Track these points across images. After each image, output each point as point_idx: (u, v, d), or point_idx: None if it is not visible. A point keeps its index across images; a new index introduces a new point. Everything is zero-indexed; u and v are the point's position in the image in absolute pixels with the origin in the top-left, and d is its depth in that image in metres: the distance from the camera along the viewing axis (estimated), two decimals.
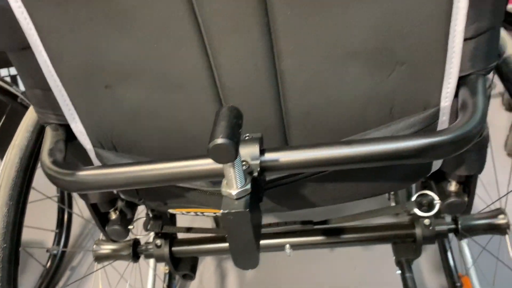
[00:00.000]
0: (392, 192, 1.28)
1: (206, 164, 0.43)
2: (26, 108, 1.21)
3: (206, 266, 1.28)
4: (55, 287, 1.31)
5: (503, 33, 0.57)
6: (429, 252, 1.19)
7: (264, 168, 0.43)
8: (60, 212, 1.38)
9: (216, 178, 0.43)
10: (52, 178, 0.49)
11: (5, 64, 1.82)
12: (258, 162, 0.43)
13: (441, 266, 1.12)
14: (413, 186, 1.22)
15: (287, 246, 0.80)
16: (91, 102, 0.52)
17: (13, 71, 1.85)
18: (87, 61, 0.49)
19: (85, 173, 0.46)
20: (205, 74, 0.49)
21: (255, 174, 0.41)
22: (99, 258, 0.86)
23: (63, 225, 1.38)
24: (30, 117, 0.62)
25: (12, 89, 1.17)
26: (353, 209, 0.77)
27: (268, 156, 0.44)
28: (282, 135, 0.54)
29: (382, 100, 0.50)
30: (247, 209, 0.37)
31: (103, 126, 0.55)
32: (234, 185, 0.38)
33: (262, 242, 0.81)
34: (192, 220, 1.29)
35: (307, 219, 0.71)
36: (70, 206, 1.40)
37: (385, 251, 1.23)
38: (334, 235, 0.80)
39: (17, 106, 1.19)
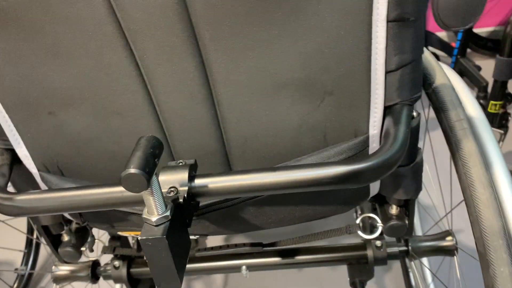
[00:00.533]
0: (359, 211, 1.30)
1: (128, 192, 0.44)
2: None
3: None
4: None
5: (433, 62, 0.60)
6: (394, 272, 1.20)
7: (194, 194, 0.45)
8: (30, 232, 1.38)
9: (139, 205, 0.45)
10: None
11: None
12: (185, 188, 0.44)
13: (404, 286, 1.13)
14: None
15: (243, 267, 0.81)
16: (35, 128, 0.54)
17: None
18: (29, 88, 0.50)
19: (20, 198, 0.48)
20: (144, 101, 0.51)
21: (180, 200, 0.43)
22: (58, 280, 0.86)
23: (31, 245, 1.37)
24: None
25: None
26: (307, 228, 0.78)
27: (198, 182, 0.45)
28: (225, 161, 0.56)
29: (315, 127, 0.52)
30: (164, 236, 0.38)
31: (48, 151, 0.56)
32: (155, 212, 0.39)
33: (218, 263, 0.82)
34: None
35: (258, 241, 0.72)
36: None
37: None
38: (289, 256, 0.82)
39: None
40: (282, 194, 0.56)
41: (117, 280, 0.85)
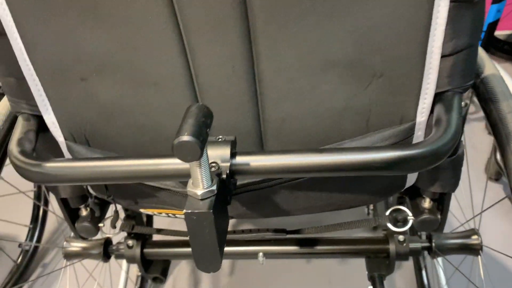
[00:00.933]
0: (371, 207, 1.29)
1: (173, 163, 0.42)
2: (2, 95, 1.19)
3: (181, 271, 1.26)
4: (24, 283, 1.28)
5: (482, 53, 0.58)
6: (404, 269, 1.18)
7: (234, 171, 0.43)
8: (36, 207, 1.36)
9: (183, 178, 0.43)
10: (17, 168, 0.48)
11: None
12: (228, 164, 0.42)
13: (415, 284, 1.12)
14: (391, 201, 1.22)
15: (260, 254, 0.79)
16: (65, 94, 0.51)
17: None
18: (63, 51, 0.48)
19: (50, 165, 0.45)
20: (183, 73, 0.48)
21: (224, 176, 0.40)
22: (69, 256, 0.84)
23: (37, 221, 1.35)
24: (2, 106, 0.61)
25: None
26: (329, 220, 0.76)
27: (239, 159, 0.43)
28: (258, 141, 0.54)
29: (359, 111, 0.50)
30: (211, 210, 0.36)
31: (77, 120, 0.53)
32: (200, 185, 0.37)
33: (235, 249, 0.80)
34: (171, 222, 1.28)
35: (281, 228, 0.70)
36: (46, 202, 1.38)
37: (360, 266, 1.23)
38: (308, 245, 0.80)
39: None
40: (319, 179, 0.53)
41: (129, 260, 0.83)
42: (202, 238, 0.37)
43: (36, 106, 0.53)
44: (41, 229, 1.35)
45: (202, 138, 0.33)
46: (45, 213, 1.37)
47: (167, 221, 1.22)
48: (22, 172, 0.47)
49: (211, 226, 0.37)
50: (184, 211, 0.37)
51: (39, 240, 1.35)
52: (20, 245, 1.31)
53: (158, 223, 1.13)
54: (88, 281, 0.97)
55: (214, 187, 0.38)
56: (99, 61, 0.48)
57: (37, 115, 0.54)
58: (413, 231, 0.91)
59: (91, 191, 0.62)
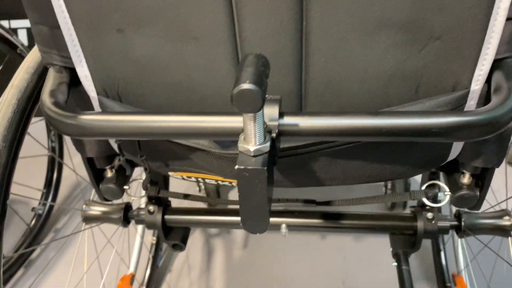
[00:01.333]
0: (389, 186, 1.27)
1: (223, 120, 0.40)
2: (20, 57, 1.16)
3: (194, 242, 1.26)
4: (38, 246, 1.28)
5: None
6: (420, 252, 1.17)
7: (282, 132, 0.41)
8: (49, 171, 1.35)
9: (231, 137, 0.40)
10: (51, 120, 0.46)
11: (6, 16, 1.76)
12: (276, 123, 0.40)
13: (429, 266, 1.11)
14: (411, 180, 1.20)
15: (283, 226, 0.78)
16: (100, 46, 0.49)
17: (14, 24, 1.79)
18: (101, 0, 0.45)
19: (91, 118, 0.43)
20: (226, 27, 0.46)
21: (273, 134, 0.38)
22: (88, 219, 0.83)
23: (51, 185, 1.34)
24: (31, 59, 0.58)
25: (12, 39, 1.13)
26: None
27: (287, 119, 0.41)
28: (297, 104, 0.51)
29: (409, 76, 0.47)
30: (265, 167, 0.34)
31: (110, 74, 0.51)
32: (253, 141, 0.35)
33: None
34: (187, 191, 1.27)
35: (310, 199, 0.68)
36: (60, 166, 1.37)
37: (375, 244, 1.22)
38: (333, 219, 0.78)
39: (15, 57, 1.15)
40: (361, 148, 0.51)
41: (150, 225, 0.82)
42: (253, 196, 0.35)
43: (69, 58, 0.51)
44: (54, 194, 1.35)
45: (264, 87, 0.31)
46: (58, 177, 1.36)
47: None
48: (56, 124, 0.45)
49: (264, 184, 0.35)
50: (236, 167, 0.35)
51: (52, 204, 1.34)
52: (33, 209, 1.30)
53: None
54: (102, 245, 0.96)
55: (268, 144, 0.35)
56: (138, 11, 0.46)
57: (69, 68, 0.52)
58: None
59: (122, 151, 0.60)
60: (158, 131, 0.41)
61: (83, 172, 0.76)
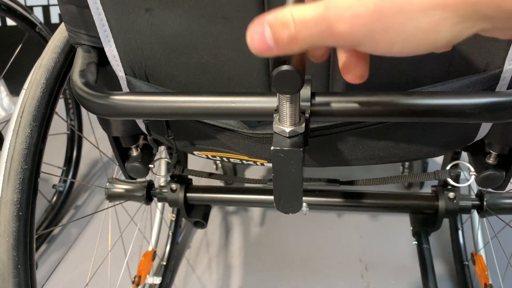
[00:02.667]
0: (406, 166, 1.27)
1: (257, 101, 0.40)
2: (43, 38, 1.17)
3: (212, 220, 1.27)
4: (58, 223, 1.31)
5: None
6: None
7: (314, 112, 0.40)
8: (69, 149, 1.37)
9: (263, 117, 0.41)
10: (82, 100, 0.46)
11: None
12: (308, 104, 0.40)
13: (446, 245, 1.11)
14: (428, 160, 1.20)
15: (304, 204, 0.78)
16: (129, 25, 0.49)
17: (29, 1, 1.79)
18: None
19: (123, 98, 0.44)
20: (256, 6, 0.45)
21: (307, 115, 0.38)
22: (111, 197, 0.84)
23: (71, 163, 1.36)
24: (58, 38, 0.58)
25: (31, 17, 1.13)
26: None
27: (319, 99, 0.41)
28: (325, 84, 0.51)
29: (440, 56, 0.46)
30: (301, 149, 0.34)
31: (138, 53, 0.51)
32: (288, 122, 0.35)
33: None
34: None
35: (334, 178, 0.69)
36: (79, 145, 1.38)
37: (391, 223, 1.22)
38: (354, 198, 0.79)
39: (34, 35, 1.15)
40: (390, 127, 0.51)
41: (172, 203, 0.83)
42: (287, 176, 0.36)
43: (97, 38, 0.50)
44: (74, 172, 1.37)
45: (303, 69, 0.31)
46: (78, 155, 1.38)
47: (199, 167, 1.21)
48: (87, 104, 0.46)
49: (299, 164, 0.35)
50: (272, 148, 0.35)
51: (72, 182, 1.37)
52: (54, 186, 1.33)
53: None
54: (123, 222, 0.98)
55: (303, 125, 0.35)
56: None
57: (97, 47, 0.52)
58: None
59: (149, 131, 0.60)
60: (190, 111, 0.41)
61: (103, 149, 0.77)
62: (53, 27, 1.20)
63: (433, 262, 0.77)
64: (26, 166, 0.52)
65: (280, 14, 0.27)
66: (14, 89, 1.36)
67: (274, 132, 0.36)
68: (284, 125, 0.35)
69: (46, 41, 1.16)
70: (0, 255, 0.52)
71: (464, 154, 0.68)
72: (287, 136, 0.35)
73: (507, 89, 0.48)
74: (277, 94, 0.35)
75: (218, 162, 1.27)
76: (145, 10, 0.48)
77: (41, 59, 0.57)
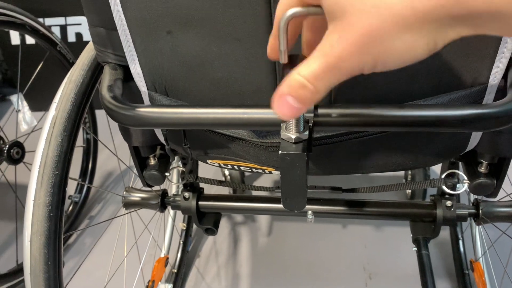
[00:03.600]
0: (409, 174, 1.31)
1: (266, 113, 0.45)
2: (63, 56, 1.24)
3: (220, 230, 1.32)
4: (73, 234, 1.36)
5: None
6: (438, 238, 1.22)
7: (317, 122, 0.46)
8: (84, 162, 1.43)
9: (272, 127, 0.46)
10: (111, 112, 0.51)
11: (40, 14, 1.85)
12: (311, 115, 0.45)
13: (447, 256, 1.15)
14: (431, 173, 1.24)
15: (310, 212, 0.83)
16: (151, 45, 0.55)
17: (48, 21, 1.87)
18: (153, 4, 0.51)
19: (147, 110, 0.49)
20: (265, 28, 0.51)
21: (310, 124, 0.43)
22: (128, 205, 0.89)
23: (86, 175, 1.42)
24: (86, 56, 0.64)
25: (52, 36, 1.20)
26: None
27: (321, 111, 0.46)
28: (327, 98, 0.56)
29: (432, 72, 0.52)
30: (305, 152, 0.40)
31: (159, 71, 0.57)
32: (294, 129, 0.40)
33: None
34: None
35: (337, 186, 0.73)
36: (94, 158, 1.44)
37: (395, 234, 1.26)
38: (357, 207, 0.83)
39: (55, 53, 1.22)
40: (387, 137, 0.56)
41: (185, 211, 0.88)
42: (293, 178, 0.41)
43: (123, 57, 0.56)
44: (89, 183, 1.42)
45: None
46: (93, 167, 1.43)
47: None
48: (116, 116, 0.51)
49: (303, 167, 0.40)
50: (280, 152, 0.40)
51: (87, 194, 1.42)
52: (69, 197, 1.38)
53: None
54: (139, 231, 1.03)
55: (306, 133, 0.41)
56: (186, 14, 0.51)
57: (122, 65, 0.58)
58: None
59: (162, 140, 0.66)
60: (207, 121, 0.47)
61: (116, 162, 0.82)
62: (70, 46, 1.27)
63: (432, 267, 0.81)
64: (57, 172, 0.58)
65: (292, 81, 0.31)
66: (32, 105, 1.43)
67: (282, 138, 0.41)
68: (290, 133, 0.41)
69: (66, 59, 1.23)
70: (33, 252, 0.57)
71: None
72: (293, 142, 0.40)
73: (493, 101, 0.53)
74: None
75: (226, 174, 1.32)
76: (166, 32, 0.53)
77: (70, 75, 0.63)
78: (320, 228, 1.30)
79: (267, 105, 0.50)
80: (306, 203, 0.82)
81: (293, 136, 0.40)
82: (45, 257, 0.57)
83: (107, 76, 0.56)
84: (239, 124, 0.47)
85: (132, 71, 0.57)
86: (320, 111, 0.46)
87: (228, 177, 1.34)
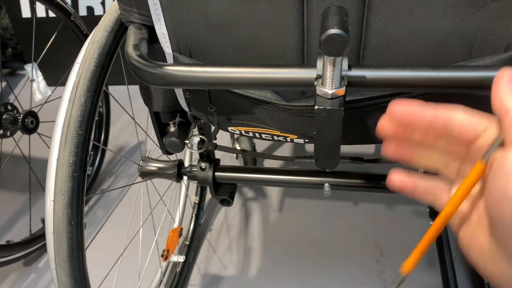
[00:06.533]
0: None
1: (298, 72, 0.44)
2: (77, 26, 1.23)
3: (232, 204, 1.32)
4: (86, 204, 1.37)
5: None
6: None
7: (350, 83, 0.45)
8: (96, 135, 1.42)
9: (303, 87, 0.45)
10: (137, 70, 0.51)
11: None
12: (346, 74, 0.44)
13: None
14: None
15: (326, 184, 0.82)
16: (178, 5, 0.53)
17: None
18: None
19: (176, 68, 0.48)
20: None
21: (346, 82, 0.43)
22: (144, 174, 0.89)
23: (98, 148, 1.42)
24: (109, 18, 0.63)
25: (66, 6, 1.19)
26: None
27: (355, 71, 0.45)
28: (356, 61, 0.55)
29: (465, 36, 0.50)
30: (342, 108, 0.39)
31: (185, 31, 0.56)
32: (331, 85, 0.39)
33: (302, 178, 0.83)
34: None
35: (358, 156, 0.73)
36: (106, 130, 1.44)
37: (406, 212, 1.26)
38: (374, 180, 0.82)
39: (69, 23, 1.21)
40: None
41: (201, 181, 0.88)
42: (328, 134, 0.40)
43: (148, 16, 0.55)
44: (101, 156, 1.43)
45: (348, 34, 0.35)
46: (105, 141, 1.43)
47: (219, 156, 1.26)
48: (142, 74, 0.50)
49: (339, 123, 0.39)
50: (316, 107, 0.39)
51: (99, 165, 1.42)
52: None
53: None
54: (154, 203, 1.03)
55: (343, 88, 0.40)
56: None
57: (147, 26, 0.57)
58: None
59: (184, 106, 0.65)
60: (237, 81, 0.46)
61: (124, 138, 0.82)
62: (82, 19, 1.26)
63: (450, 243, 0.81)
64: (81, 132, 0.57)
65: None
66: (45, 76, 1.43)
67: (317, 94, 0.40)
68: (327, 88, 0.40)
69: (80, 30, 1.22)
70: (56, 212, 0.57)
71: None
72: (329, 97, 0.40)
73: None
74: (322, 59, 0.39)
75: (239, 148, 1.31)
76: None
77: (93, 36, 0.63)
78: (331, 206, 1.30)
79: (297, 64, 0.50)
80: (323, 175, 0.83)
81: (330, 91, 0.40)
82: (68, 216, 0.57)
83: (132, 36, 0.55)
84: (270, 85, 0.46)
85: (157, 31, 0.56)
86: (354, 70, 0.45)
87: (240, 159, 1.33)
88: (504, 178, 0.27)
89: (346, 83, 0.43)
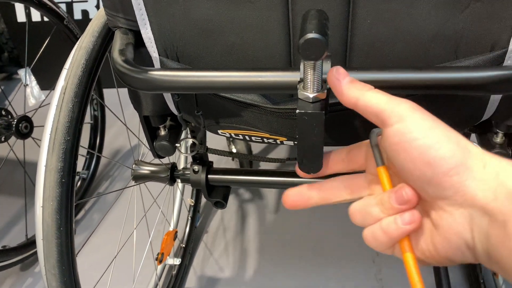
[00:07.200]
0: None
1: (281, 75, 0.44)
2: (70, 31, 1.23)
3: (228, 207, 1.32)
4: (81, 208, 1.37)
5: None
6: None
7: None
8: (92, 138, 1.43)
9: (287, 90, 0.45)
10: (122, 76, 0.51)
11: None
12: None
13: None
14: None
15: None
16: (163, 9, 0.54)
17: None
18: None
19: (159, 73, 0.48)
20: None
21: (328, 86, 0.42)
22: (137, 178, 0.89)
23: (94, 149, 1.42)
24: (96, 23, 0.64)
25: (59, 11, 1.19)
26: None
27: None
28: (342, 63, 0.55)
29: (450, 37, 0.50)
30: (323, 112, 0.39)
31: (171, 36, 0.56)
32: (311, 88, 0.39)
33: (297, 179, 0.83)
34: (218, 161, 1.33)
35: None
36: (102, 134, 1.44)
37: None
38: None
39: (62, 28, 1.21)
40: None
41: (194, 184, 0.88)
42: (310, 138, 0.40)
43: (134, 21, 0.55)
44: (97, 160, 1.43)
45: (327, 38, 0.35)
46: (101, 144, 1.43)
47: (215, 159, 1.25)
48: (127, 79, 0.50)
49: (321, 126, 0.39)
50: (297, 111, 0.39)
51: (95, 169, 1.42)
52: (77, 173, 1.39)
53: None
54: (148, 205, 1.03)
55: (325, 92, 0.40)
56: None
57: (133, 30, 0.57)
58: None
59: (173, 109, 0.65)
60: (222, 85, 0.46)
61: (118, 143, 0.82)
62: (76, 23, 1.26)
63: None
64: (68, 138, 0.57)
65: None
66: (39, 83, 1.42)
67: (299, 98, 0.40)
68: (308, 92, 0.40)
69: (73, 34, 1.22)
70: (45, 218, 0.57)
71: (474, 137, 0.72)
72: (311, 101, 0.40)
73: None
74: (302, 63, 0.39)
75: (234, 150, 1.31)
76: None
77: (80, 42, 0.63)
78: (327, 206, 1.29)
79: (282, 68, 0.49)
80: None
81: (311, 95, 0.39)
82: (57, 222, 0.57)
83: (118, 41, 0.55)
84: (255, 88, 0.46)
85: (143, 36, 0.56)
86: None
87: (236, 161, 1.34)
88: (395, 146, 0.35)
89: (328, 86, 0.43)
